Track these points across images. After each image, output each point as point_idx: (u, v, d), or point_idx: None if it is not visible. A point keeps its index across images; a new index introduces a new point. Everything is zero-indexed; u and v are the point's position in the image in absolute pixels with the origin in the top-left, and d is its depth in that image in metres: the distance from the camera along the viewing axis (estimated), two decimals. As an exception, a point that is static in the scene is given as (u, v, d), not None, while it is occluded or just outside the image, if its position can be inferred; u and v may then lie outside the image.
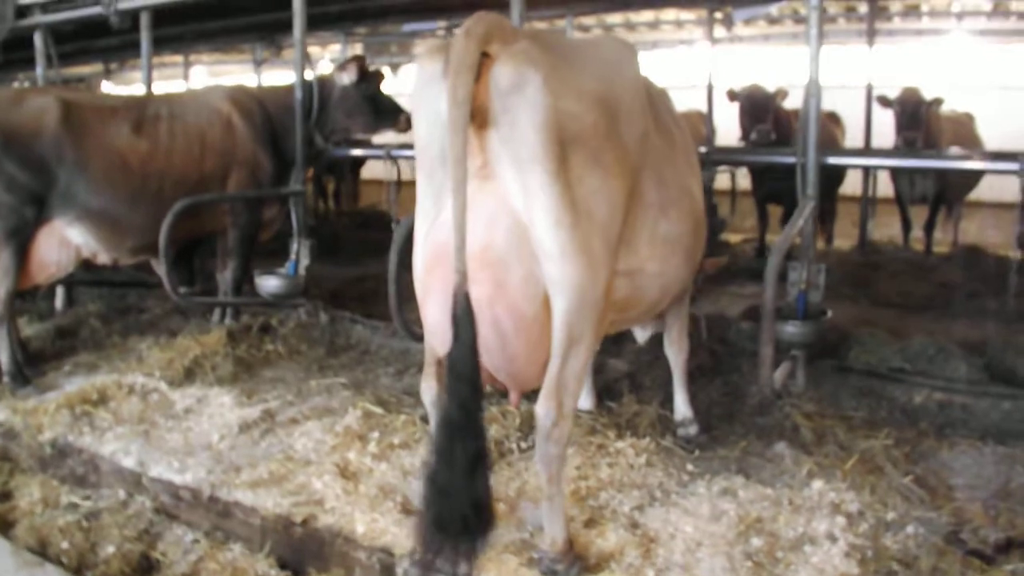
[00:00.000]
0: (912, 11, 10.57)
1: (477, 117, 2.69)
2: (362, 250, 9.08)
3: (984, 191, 9.06)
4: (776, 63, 12.93)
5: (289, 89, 5.89)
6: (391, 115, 6.06)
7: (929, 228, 8.61)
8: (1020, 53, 11.88)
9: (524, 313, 2.77)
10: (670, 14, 11.06)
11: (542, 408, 2.88)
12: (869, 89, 8.39)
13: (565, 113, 2.73)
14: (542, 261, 2.76)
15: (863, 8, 9.83)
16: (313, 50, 13.43)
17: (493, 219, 2.77)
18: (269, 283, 5.69)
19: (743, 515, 3.39)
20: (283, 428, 4.46)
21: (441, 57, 2.73)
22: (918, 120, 7.72)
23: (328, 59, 12.80)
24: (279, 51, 11.23)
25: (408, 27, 9.91)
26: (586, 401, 4.48)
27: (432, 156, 2.86)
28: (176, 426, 4.46)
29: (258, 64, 11.18)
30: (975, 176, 8.08)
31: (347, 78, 5.87)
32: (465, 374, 2.63)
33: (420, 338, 4.95)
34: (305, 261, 5.83)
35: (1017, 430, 4.17)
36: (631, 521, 3.44)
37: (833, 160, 4.55)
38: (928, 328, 5.84)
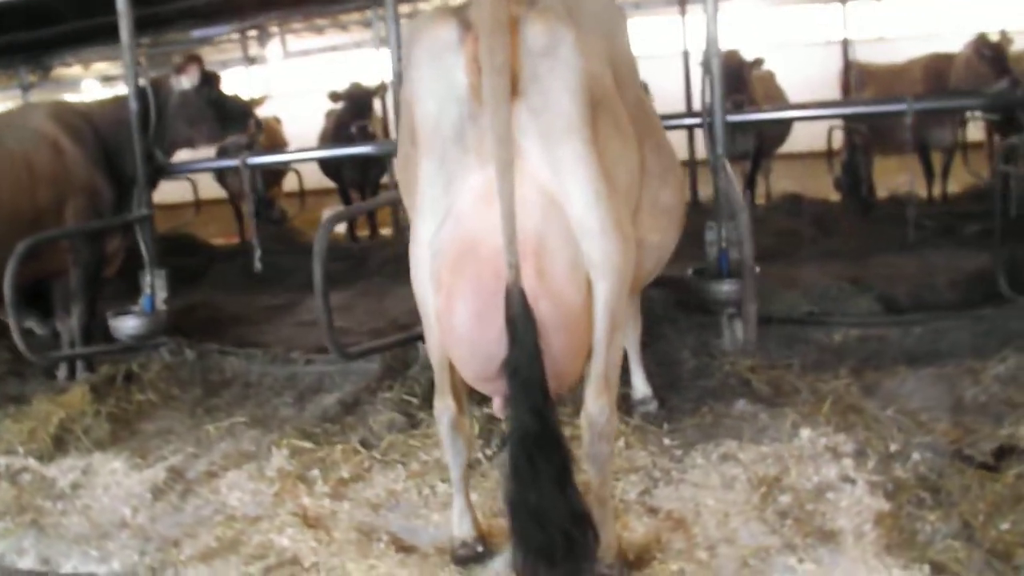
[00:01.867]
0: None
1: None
2: (175, 279, 8.23)
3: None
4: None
5: (119, 101, 5.08)
6: (240, 120, 5.41)
7: (751, 182, 9.16)
8: (790, 14, 13.03)
9: (572, 304, 2.46)
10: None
11: (595, 406, 2.60)
12: (686, 55, 8.76)
13: (592, 75, 2.46)
14: (582, 241, 2.46)
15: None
16: (75, 71, 11.98)
17: (526, 202, 2.40)
18: (127, 324, 4.91)
19: (754, 477, 3.32)
20: (202, 485, 3.82)
21: (452, 22, 2.38)
22: (743, 81, 8.16)
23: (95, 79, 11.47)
24: (47, 72, 9.83)
25: (198, 33, 9.02)
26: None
27: (445, 137, 2.46)
28: (69, 507, 3.67)
29: (25, 89, 9.73)
30: (787, 130, 8.69)
31: (187, 82, 5.15)
32: (534, 378, 2.30)
33: (352, 357, 4.52)
34: (162, 294, 5.08)
35: (931, 351, 4.46)
36: (646, 507, 3.26)
37: (734, 118, 4.61)
38: (787, 274, 6.16)
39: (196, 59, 5.25)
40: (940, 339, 4.52)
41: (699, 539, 3.00)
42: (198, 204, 9.55)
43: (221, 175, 8.99)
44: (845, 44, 8.24)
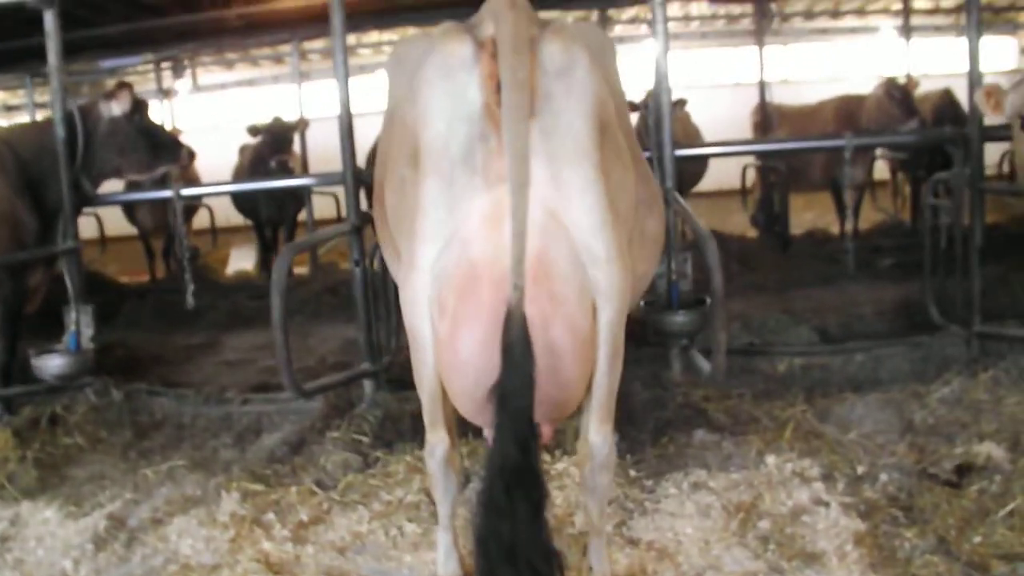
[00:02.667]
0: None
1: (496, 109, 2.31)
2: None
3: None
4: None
5: (42, 126, 4.78)
6: (171, 149, 5.17)
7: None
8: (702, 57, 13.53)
9: (581, 330, 2.41)
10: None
11: (598, 435, 2.55)
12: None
13: (602, 100, 2.44)
14: (589, 268, 2.42)
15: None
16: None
17: (535, 224, 2.32)
18: (52, 363, 4.57)
19: (728, 504, 3.34)
20: (148, 533, 3.55)
21: (467, 39, 2.31)
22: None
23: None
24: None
25: (108, 63, 8.65)
26: None
27: (453, 158, 2.37)
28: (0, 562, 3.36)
29: None
30: (704, 168, 8.97)
31: (117, 108, 4.88)
32: (524, 407, 2.21)
33: (309, 395, 4.33)
34: (88, 331, 4.76)
35: (872, 378, 4.63)
36: (626, 538, 3.23)
37: (682, 152, 4.73)
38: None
39: (127, 86, 5.00)
40: (880, 366, 4.70)
41: (685, 568, 2.98)
42: (104, 240, 9.14)
43: (131, 210, 8.58)
44: (762, 85, 8.59)
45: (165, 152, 5.14)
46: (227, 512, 3.63)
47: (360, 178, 4.63)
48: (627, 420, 4.32)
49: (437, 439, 2.68)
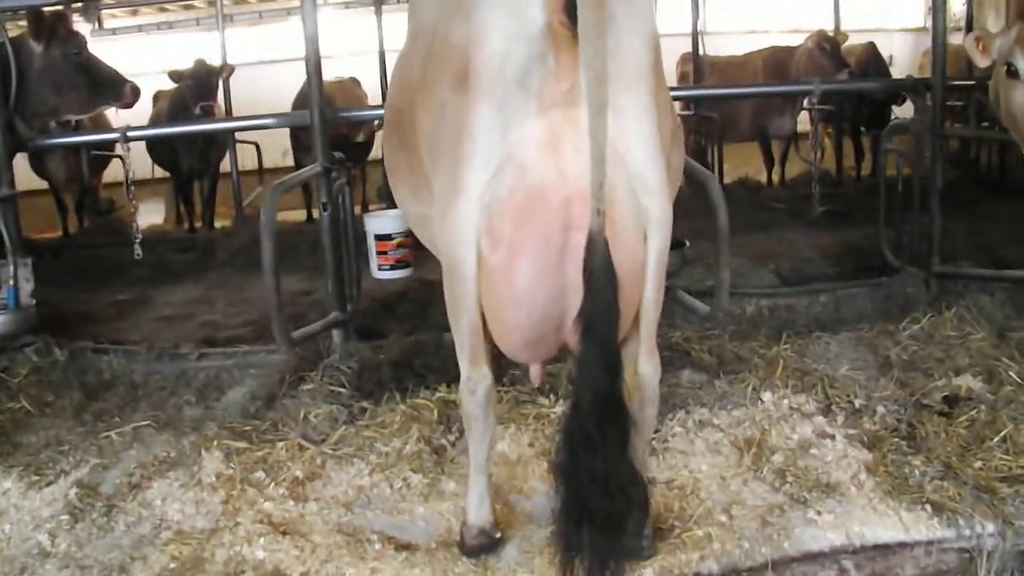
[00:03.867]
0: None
1: (569, 31, 2.19)
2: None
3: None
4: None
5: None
6: (112, 86, 4.74)
7: None
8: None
9: (638, 258, 2.37)
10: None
11: (648, 367, 2.52)
12: (382, 54, 8.79)
13: (655, 22, 2.37)
14: (641, 196, 2.37)
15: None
16: None
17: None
18: (-10, 322, 4.17)
19: (736, 440, 3.39)
20: (127, 499, 3.31)
21: None
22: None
23: None
24: None
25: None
26: None
27: (508, 79, 2.25)
28: (-35, 541, 3.06)
29: None
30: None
31: (54, 44, 4.41)
32: (611, 334, 2.17)
33: (295, 344, 4.10)
34: (28, 285, 4.38)
35: (837, 318, 4.77)
36: (642, 477, 3.23)
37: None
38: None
39: (63, 17, 4.54)
40: (843, 307, 4.85)
41: (709, 504, 3.00)
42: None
43: (41, 160, 7.90)
44: (695, 35, 8.60)
45: (106, 89, 4.72)
46: (212, 472, 3.43)
47: (326, 117, 4.39)
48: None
49: (480, 375, 2.59)
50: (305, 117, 4.42)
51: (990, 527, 2.81)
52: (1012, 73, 3.91)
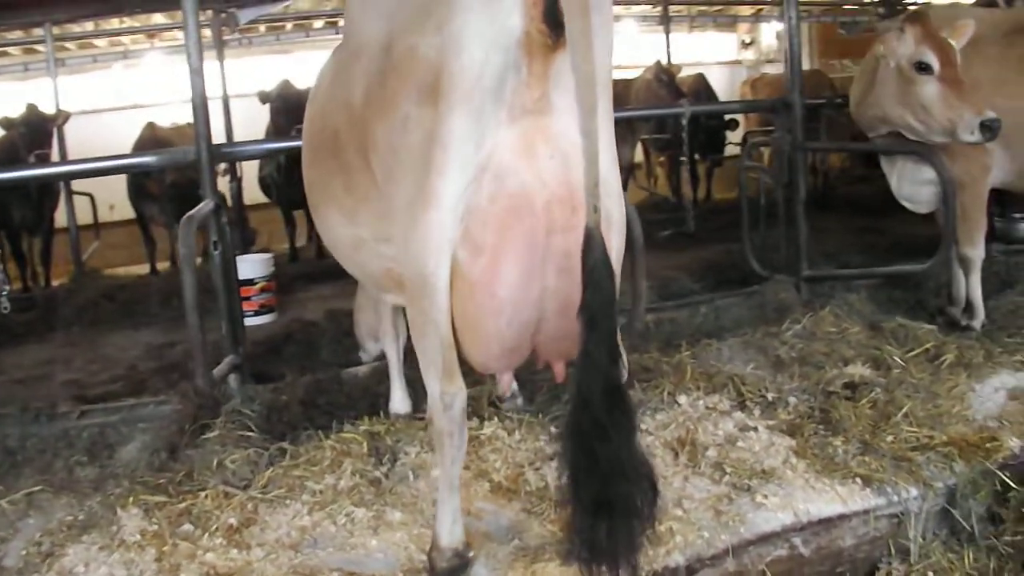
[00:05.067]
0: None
1: (546, 39, 2.26)
2: None
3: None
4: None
5: None
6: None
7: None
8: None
9: (614, 259, 2.46)
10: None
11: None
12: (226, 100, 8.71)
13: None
14: (604, 199, 2.45)
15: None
16: None
17: (565, 158, 2.37)
18: None
19: (667, 441, 3.53)
20: (43, 570, 2.98)
21: None
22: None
23: None
24: None
25: None
26: (403, 405, 4.05)
27: (485, 88, 2.28)
28: None
29: None
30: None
31: None
32: (611, 327, 2.23)
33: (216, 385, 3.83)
34: None
35: (718, 326, 5.08)
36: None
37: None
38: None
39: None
40: (722, 316, 5.18)
41: (660, 502, 3.10)
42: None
43: None
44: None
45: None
46: (134, 530, 3.15)
47: (214, 153, 4.21)
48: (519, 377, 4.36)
49: (456, 389, 2.57)
50: (189, 153, 4.21)
51: (913, 491, 3.12)
52: (924, 69, 4.28)
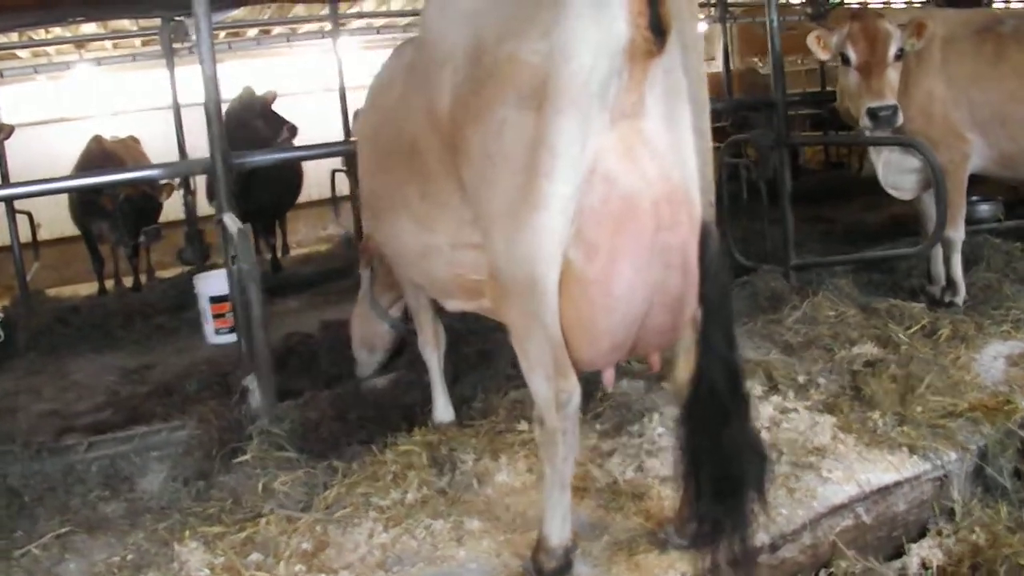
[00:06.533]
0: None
1: (650, 46, 2.35)
2: None
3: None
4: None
5: None
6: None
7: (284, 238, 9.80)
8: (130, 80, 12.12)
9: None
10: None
11: None
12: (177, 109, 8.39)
13: None
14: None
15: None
16: None
17: (662, 158, 2.47)
18: None
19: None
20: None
21: None
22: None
23: None
24: None
25: None
26: (447, 413, 4.06)
27: (592, 93, 2.35)
28: None
29: None
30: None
31: None
32: (729, 315, 2.43)
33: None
34: None
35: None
36: (659, 477, 3.37)
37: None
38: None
39: None
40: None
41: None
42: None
43: None
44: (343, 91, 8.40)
45: None
46: (200, 564, 3.05)
47: (229, 163, 4.08)
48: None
49: (572, 385, 2.60)
50: (202, 164, 4.06)
51: (952, 455, 3.37)
52: (845, 60, 4.70)
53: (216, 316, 6.43)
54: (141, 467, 4.05)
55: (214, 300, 6.39)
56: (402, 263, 3.39)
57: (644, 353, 2.82)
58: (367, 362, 4.81)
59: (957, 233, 4.79)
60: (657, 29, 2.34)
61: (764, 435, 3.53)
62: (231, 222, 3.64)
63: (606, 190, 2.43)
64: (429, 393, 4.34)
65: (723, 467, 2.40)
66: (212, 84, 3.93)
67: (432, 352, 4.05)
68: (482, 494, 3.39)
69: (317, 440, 3.98)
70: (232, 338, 6.35)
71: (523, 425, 3.83)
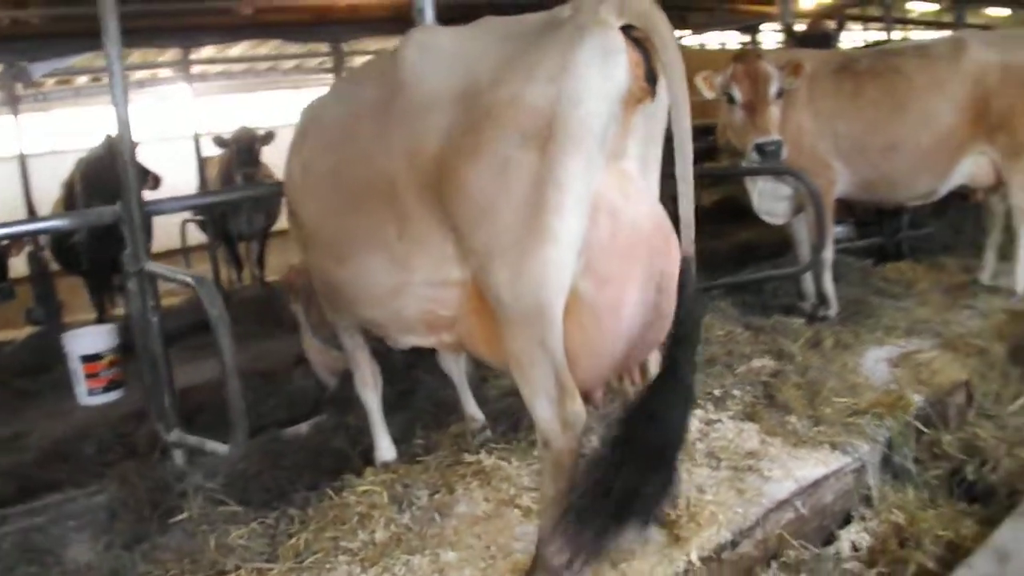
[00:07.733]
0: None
1: (645, 95, 2.64)
2: None
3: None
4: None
5: None
6: None
7: (262, 261, 9.31)
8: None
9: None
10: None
11: None
12: (197, 137, 8.39)
13: None
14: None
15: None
16: None
17: (643, 193, 2.77)
18: None
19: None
20: None
21: (617, 28, 2.57)
22: (254, 156, 8.35)
23: None
24: None
25: None
26: (391, 451, 4.08)
27: (595, 135, 2.58)
28: None
29: None
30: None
31: None
32: (696, 341, 2.73)
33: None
34: None
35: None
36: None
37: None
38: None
39: None
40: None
41: (691, 489, 3.49)
42: None
43: None
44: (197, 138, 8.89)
45: None
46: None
47: (147, 210, 3.93)
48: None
49: (579, 408, 2.74)
50: (114, 213, 3.86)
51: (865, 447, 3.79)
52: (730, 99, 5.14)
53: (89, 376, 6.02)
54: (60, 538, 3.76)
55: (86, 359, 5.99)
56: (359, 303, 3.42)
57: (627, 370, 3.04)
58: (335, 384, 4.97)
59: (828, 252, 5.38)
60: (652, 80, 2.64)
61: (701, 446, 3.84)
62: (166, 271, 3.51)
63: (611, 224, 2.66)
64: (356, 436, 4.35)
65: (640, 479, 2.61)
66: (126, 127, 3.78)
67: (371, 392, 4.07)
68: (447, 527, 3.43)
69: (259, 490, 3.87)
70: (108, 398, 5.99)
71: (470, 457, 3.91)
